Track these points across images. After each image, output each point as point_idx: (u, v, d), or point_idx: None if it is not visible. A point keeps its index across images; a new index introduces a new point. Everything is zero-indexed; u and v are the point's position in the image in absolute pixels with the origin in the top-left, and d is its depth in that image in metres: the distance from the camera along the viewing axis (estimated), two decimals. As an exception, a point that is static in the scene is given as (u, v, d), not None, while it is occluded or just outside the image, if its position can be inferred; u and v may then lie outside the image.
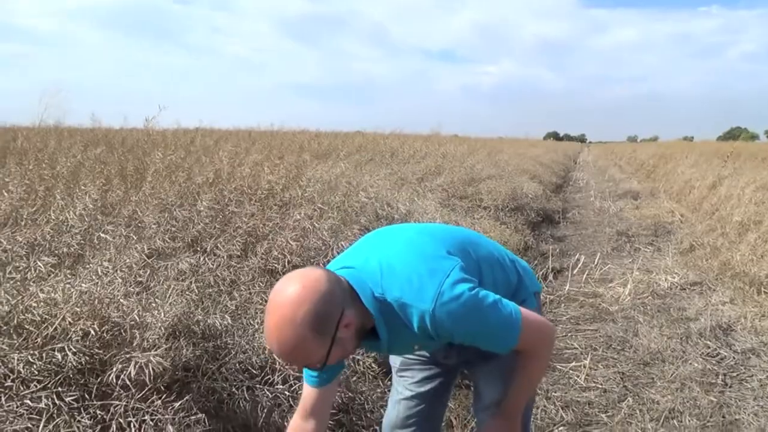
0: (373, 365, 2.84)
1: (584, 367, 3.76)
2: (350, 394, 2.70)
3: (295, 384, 2.48)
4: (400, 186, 5.74)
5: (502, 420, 1.55)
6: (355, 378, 2.76)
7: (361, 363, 2.73)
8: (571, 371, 3.74)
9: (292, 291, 1.25)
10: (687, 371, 3.70)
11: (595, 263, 6.42)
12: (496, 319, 1.35)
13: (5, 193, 3.08)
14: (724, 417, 3.16)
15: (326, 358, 1.26)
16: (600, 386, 3.55)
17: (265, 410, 2.29)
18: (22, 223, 2.85)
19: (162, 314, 2.11)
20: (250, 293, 2.76)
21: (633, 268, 6.22)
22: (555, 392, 3.41)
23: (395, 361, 1.86)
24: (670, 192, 11.94)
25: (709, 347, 4.08)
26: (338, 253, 3.30)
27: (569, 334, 4.33)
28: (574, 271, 6.10)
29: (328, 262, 3.24)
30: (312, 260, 3.25)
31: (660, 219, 9.20)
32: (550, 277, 5.79)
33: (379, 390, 2.86)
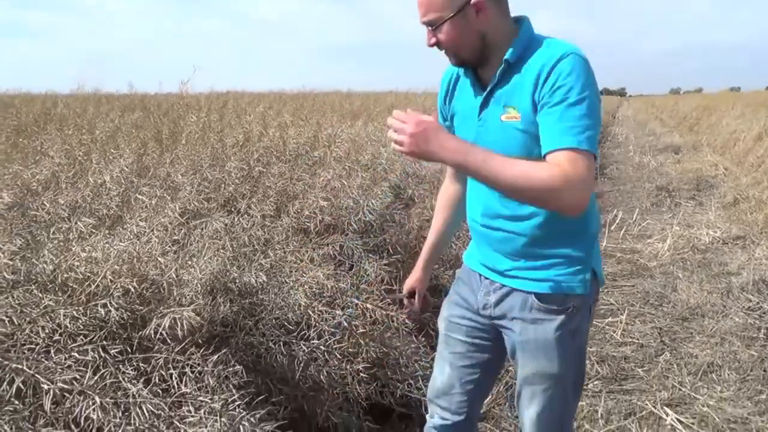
0: (407, 321, 2.87)
1: (621, 322, 3.73)
2: (384, 349, 2.74)
3: (330, 339, 2.54)
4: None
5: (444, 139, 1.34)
6: (389, 334, 2.80)
7: (395, 320, 2.76)
8: (607, 327, 3.72)
9: None
10: (727, 326, 3.64)
11: (634, 219, 6.30)
12: (587, 108, 1.31)
13: (46, 158, 3.18)
14: (765, 371, 3.12)
15: (444, 21, 1.39)
16: (636, 341, 3.52)
17: (302, 364, 2.35)
18: (63, 187, 2.93)
19: (198, 272, 2.16)
20: (284, 252, 2.80)
21: (673, 223, 6.08)
22: (590, 347, 3.40)
23: (442, 324, 1.82)
24: (713, 145, 11.54)
25: (750, 301, 3.99)
26: (369, 212, 3.32)
27: (606, 291, 4.29)
28: (612, 228, 6.00)
29: (359, 220, 3.27)
30: (344, 219, 3.27)
31: (702, 173, 8.93)
32: (587, 234, 5.71)
33: (413, 345, 2.90)
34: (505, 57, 1.43)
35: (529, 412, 1.59)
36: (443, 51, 1.49)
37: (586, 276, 1.50)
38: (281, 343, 2.37)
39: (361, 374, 2.50)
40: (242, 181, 3.36)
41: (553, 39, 1.43)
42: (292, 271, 2.70)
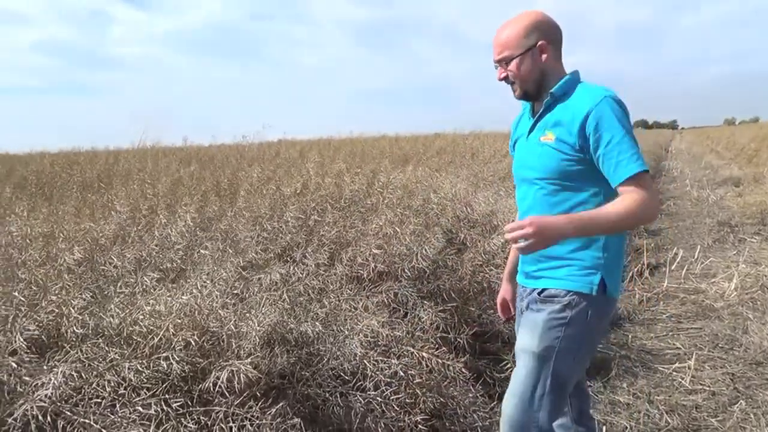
0: (464, 370, 2.82)
1: (689, 368, 3.55)
2: (442, 399, 2.69)
3: (386, 390, 2.51)
4: (477, 186, 5.67)
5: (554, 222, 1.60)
6: (446, 383, 2.75)
7: (451, 368, 2.72)
8: (674, 373, 3.54)
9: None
10: (807, 371, 3.41)
11: (696, 257, 6.05)
12: (631, 140, 1.63)
13: (114, 214, 3.33)
14: None
15: (510, 59, 1.73)
16: (707, 388, 3.34)
17: (359, 416, 2.33)
18: (129, 241, 3.05)
19: (256, 324, 2.20)
20: (339, 300, 2.81)
21: (738, 260, 5.81)
22: (658, 395, 3.24)
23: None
24: (777, 177, 11.07)
25: (831, 344, 3.75)
26: (422, 258, 3.32)
27: (670, 333, 4.11)
28: (672, 267, 5.78)
29: (413, 267, 3.26)
30: (397, 266, 3.27)
31: (767, 206, 8.55)
32: (646, 273, 5.52)
33: (470, 395, 2.83)
34: (551, 90, 1.75)
35: (512, 380, 1.80)
36: (510, 84, 1.80)
37: (593, 279, 1.71)
38: (338, 394, 2.36)
39: (420, 426, 2.46)
40: (298, 231, 3.42)
41: (593, 85, 1.75)
42: (347, 320, 2.70)
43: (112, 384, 1.90)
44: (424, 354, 2.75)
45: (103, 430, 1.73)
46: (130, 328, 2.12)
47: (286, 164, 5.98)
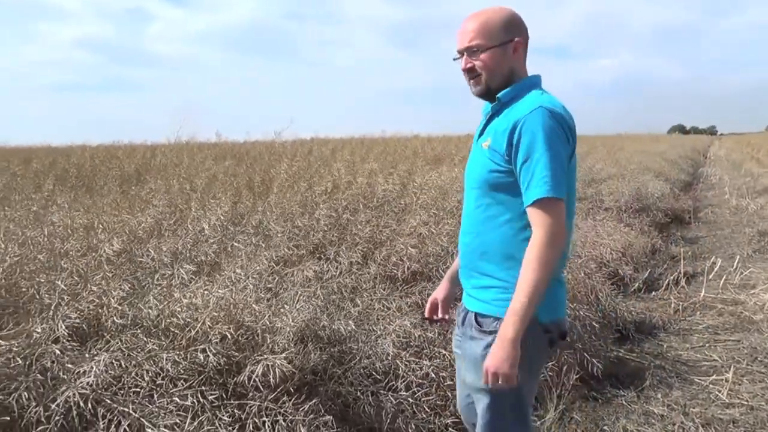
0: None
1: (726, 381, 3.46)
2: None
3: (418, 391, 2.50)
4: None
5: (498, 342, 1.51)
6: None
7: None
8: (711, 386, 3.45)
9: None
10: None
11: (734, 267, 5.89)
12: (548, 160, 1.50)
13: (150, 207, 3.39)
14: None
15: (482, 49, 1.61)
16: (746, 403, 3.24)
17: (389, 416, 2.32)
18: (165, 234, 3.10)
19: (291, 320, 2.21)
20: (371, 299, 2.82)
21: (780, 272, 5.64)
22: (693, 407, 3.16)
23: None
24: (821, 186, 10.71)
25: None
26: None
27: (707, 345, 4.01)
28: (710, 276, 5.63)
29: (448, 268, 3.24)
30: (431, 266, 3.25)
31: (811, 217, 8.28)
32: (683, 282, 5.39)
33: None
34: (498, 95, 1.65)
35: (477, 420, 1.70)
36: (472, 77, 1.67)
37: None
38: (369, 393, 2.36)
39: (450, 429, 2.44)
40: (330, 228, 3.44)
41: (540, 93, 1.63)
42: (379, 319, 2.70)
43: (150, 374, 1.93)
44: (456, 356, 2.74)
45: (142, 419, 1.76)
46: (168, 320, 2.16)
47: (317, 162, 6.01)
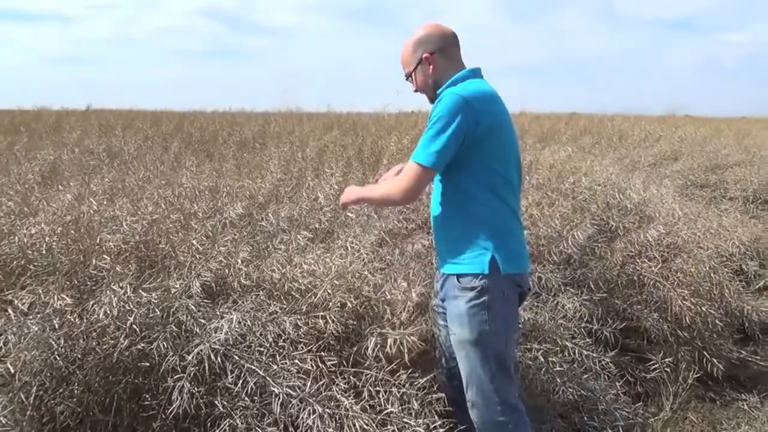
0: (611, 365, 2.69)
1: None
2: (582, 391, 2.59)
3: (526, 372, 2.46)
4: (630, 171, 5.31)
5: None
6: (587, 375, 2.64)
7: (596, 362, 2.61)
8: None
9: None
10: None
11: None
12: (429, 135, 1.86)
13: (269, 174, 3.51)
14: None
15: (409, 75, 2.03)
16: None
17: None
18: (283, 201, 3.21)
19: (413, 293, 2.22)
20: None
21: None
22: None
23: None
24: None
25: None
26: (571, 243, 3.17)
27: None
28: None
29: (560, 251, 3.13)
30: (543, 249, 3.16)
31: None
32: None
33: (612, 391, 2.70)
34: (438, 91, 1.96)
35: (462, 373, 1.94)
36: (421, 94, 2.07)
37: (484, 259, 1.87)
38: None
39: (558, 418, 2.39)
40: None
41: (467, 83, 1.94)
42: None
43: (273, 335, 2.01)
44: (567, 343, 2.66)
45: (266, 378, 1.84)
46: (289, 284, 2.23)
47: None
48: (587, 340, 2.77)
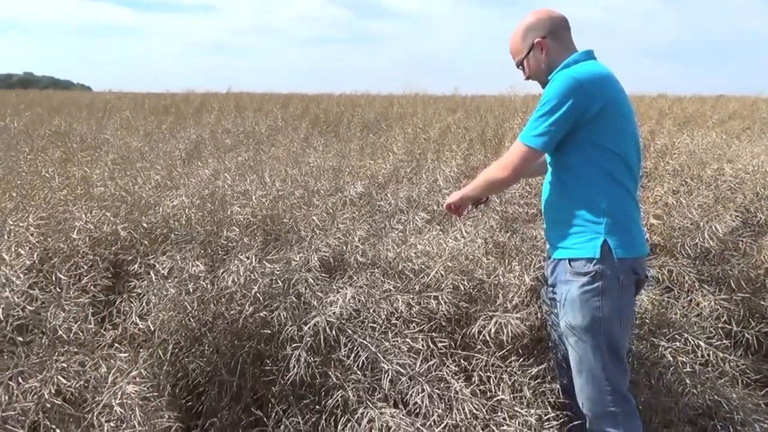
0: (750, 371, 2.45)
1: None
2: (716, 397, 2.38)
3: (652, 370, 2.30)
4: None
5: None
6: (722, 381, 2.42)
7: (734, 366, 2.38)
8: None
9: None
10: None
11: None
12: (537, 115, 1.84)
13: (390, 154, 3.56)
14: None
15: (520, 62, 2.00)
16: None
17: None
18: (403, 181, 3.24)
19: (526, 277, 2.16)
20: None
21: None
22: None
23: None
24: None
25: None
26: (710, 236, 2.91)
27: None
28: None
29: (696, 244, 2.89)
30: (676, 241, 2.93)
31: None
32: None
33: (751, 400, 2.45)
34: (549, 76, 1.93)
35: (572, 361, 1.88)
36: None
37: (597, 243, 1.80)
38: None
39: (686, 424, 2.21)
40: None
41: (582, 64, 1.89)
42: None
43: (386, 313, 2.05)
44: (701, 343, 2.45)
45: (378, 354, 1.88)
46: (404, 264, 2.25)
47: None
48: (724, 342, 2.54)
